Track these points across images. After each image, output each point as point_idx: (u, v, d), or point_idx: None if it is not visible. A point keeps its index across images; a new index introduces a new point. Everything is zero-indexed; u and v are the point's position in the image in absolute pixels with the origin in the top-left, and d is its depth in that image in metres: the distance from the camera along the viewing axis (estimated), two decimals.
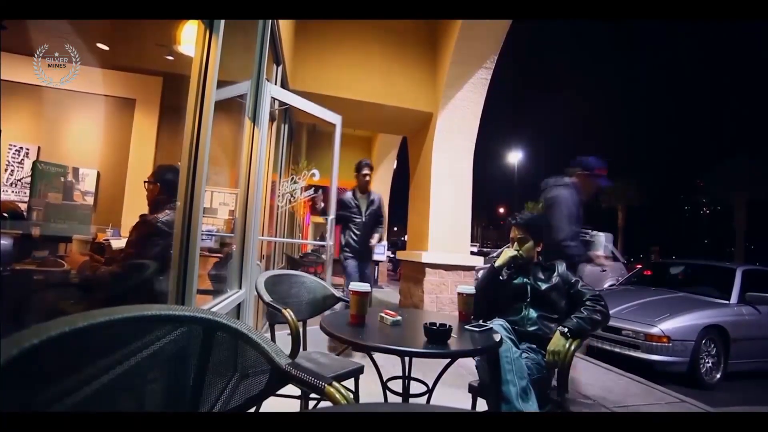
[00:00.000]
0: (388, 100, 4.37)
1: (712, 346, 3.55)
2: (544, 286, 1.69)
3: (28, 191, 2.43)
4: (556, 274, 1.68)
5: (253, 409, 0.89)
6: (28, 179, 2.34)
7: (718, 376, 3.52)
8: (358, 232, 3.40)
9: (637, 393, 2.91)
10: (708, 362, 3.52)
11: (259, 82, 2.47)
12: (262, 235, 3.51)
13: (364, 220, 3.38)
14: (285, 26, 3.26)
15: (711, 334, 3.53)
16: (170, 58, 2.78)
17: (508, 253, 1.75)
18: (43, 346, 0.47)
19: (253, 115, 2.44)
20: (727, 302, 3.88)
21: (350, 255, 3.41)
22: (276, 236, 4.38)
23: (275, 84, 3.25)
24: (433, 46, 4.56)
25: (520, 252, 1.75)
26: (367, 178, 3.39)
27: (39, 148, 2.90)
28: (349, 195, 3.44)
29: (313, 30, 4.16)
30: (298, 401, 1.56)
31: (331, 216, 3.13)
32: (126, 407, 0.66)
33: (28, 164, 2.76)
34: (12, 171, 2.83)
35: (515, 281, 1.75)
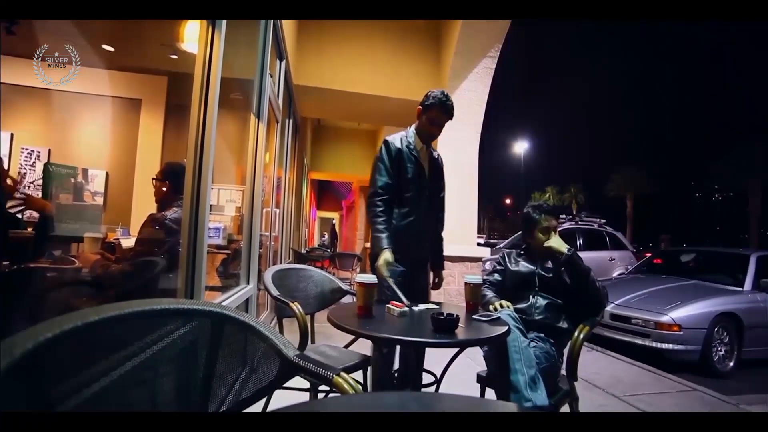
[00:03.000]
0: (392, 92, 4.35)
1: (725, 333, 3.51)
2: (551, 274, 1.68)
3: (40, 193, 2.47)
4: (565, 257, 1.65)
5: (263, 401, 0.91)
6: (41, 181, 2.38)
7: (732, 364, 3.48)
8: (415, 216, 1.78)
9: (648, 382, 2.90)
10: (721, 350, 3.47)
11: (262, 78, 2.47)
12: (267, 231, 3.54)
13: (429, 193, 1.85)
14: (288, 21, 3.25)
15: (724, 321, 3.49)
16: (174, 57, 2.80)
17: (559, 243, 1.65)
18: (57, 340, 0.48)
19: (257, 111, 2.45)
20: (740, 289, 3.82)
21: (395, 272, 1.63)
22: (282, 233, 4.42)
23: (279, 79, 3.25)
24: (437, 37, 4.51)
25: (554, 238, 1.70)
26: (436, 132, 1.85)
27: (50, 150, 2.95)
28: (399, 140, 1.79)
29: (315, 25, 4.14)
30: (307, 394, 1.58)
31: (377, 204, 1.71)
32: (138, 400, 0.67)
33: (39, 167, 2.82)
34: (25, 174, 2.89)
35: (522, 269, 1.74)
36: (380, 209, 1.70)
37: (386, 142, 1.79)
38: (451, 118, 1.84)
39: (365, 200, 1.77)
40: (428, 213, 1.87)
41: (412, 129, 1.87)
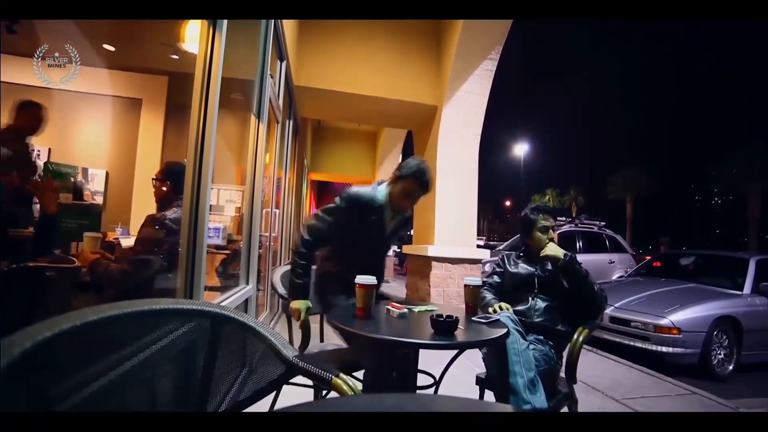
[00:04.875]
0: (393, 94, 4.36)
1: (725, 337, 3.50)
2: (550, 276, 1.68)
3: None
4: (562, 262, 1.65)
5: (270, 399, 0.91)
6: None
7: (731, 367, 3.47)
8: (362, 259, 1.60)
9: (647, 385, 2.89)
10: (720, 354, 3.47)
11: (262, 79, 2.47)
12: (266, 232, 3.53)
13: (386, 242, 1.76)
14: (289, 22, 3.26)
15: (723, 325, 3.48)
16: (175, 57, 2.80)
17: (555, 250, 1.66)
18: (56, 340, 0.48)
19: (258, 111, 2.45)
20: (740, 293, 3.82)
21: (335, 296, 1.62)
22: (282, 233, 4.41)
23: (279, 80, 3.25)
24: (438, 39, 4.52)
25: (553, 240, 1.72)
26: (407, 205, 1.64)
27: (50, 149, 2.95)
28: (370, 193, 1.60)
29: (317, 25, 4.15)
30: (312, 390, 1.57)
31: (304, 255, 1.57)
32: (137, 400, 0.67)
33: (39, 166, 2.81)
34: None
35: (522, 271, 1.74)
36: (304, 263, 1.55)
37: (351, 202, 1.56)
38: (426, 193, 1.61)
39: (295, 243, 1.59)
40: (381, 257, 1.80)
41: (384, 192, 1.61)
